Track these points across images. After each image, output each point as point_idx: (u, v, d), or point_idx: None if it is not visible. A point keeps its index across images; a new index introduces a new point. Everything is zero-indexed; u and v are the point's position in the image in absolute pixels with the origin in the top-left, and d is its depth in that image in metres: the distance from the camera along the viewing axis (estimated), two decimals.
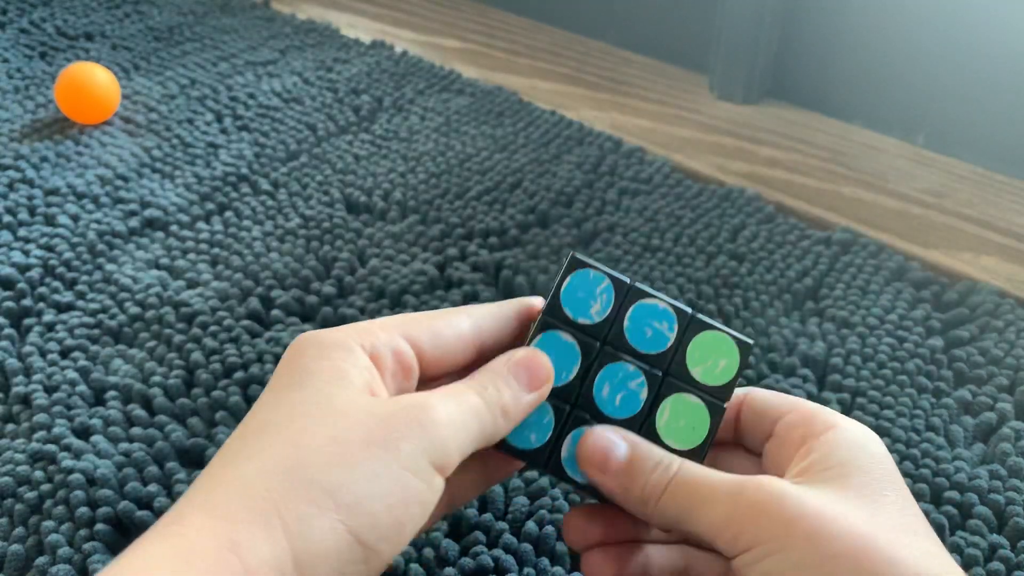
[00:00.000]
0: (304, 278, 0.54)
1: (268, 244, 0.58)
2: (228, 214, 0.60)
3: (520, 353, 0.28)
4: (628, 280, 0.29)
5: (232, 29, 0.88)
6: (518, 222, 0.59)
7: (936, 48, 0.67)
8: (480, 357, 0.29)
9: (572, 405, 0.29)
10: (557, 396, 0.29)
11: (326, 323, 0.51)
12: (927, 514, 0.39)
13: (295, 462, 0.22)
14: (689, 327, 0.29)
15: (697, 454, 0.28)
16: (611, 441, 0.28)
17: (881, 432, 0.44)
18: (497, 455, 0.29)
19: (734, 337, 0.29)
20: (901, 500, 0.26)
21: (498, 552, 0.37)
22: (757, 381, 0.47)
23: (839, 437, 0.27)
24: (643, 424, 0.29)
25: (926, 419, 0.45)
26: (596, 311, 0.29)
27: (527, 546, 0.38)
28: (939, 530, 0.39)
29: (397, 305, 0.52)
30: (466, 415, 0.25)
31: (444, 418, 0.24)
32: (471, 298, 0.53)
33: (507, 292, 0.54)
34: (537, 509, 0.40)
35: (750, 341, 0.29)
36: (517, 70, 0.83)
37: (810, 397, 0.46)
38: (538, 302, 0.30)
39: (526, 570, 0.37)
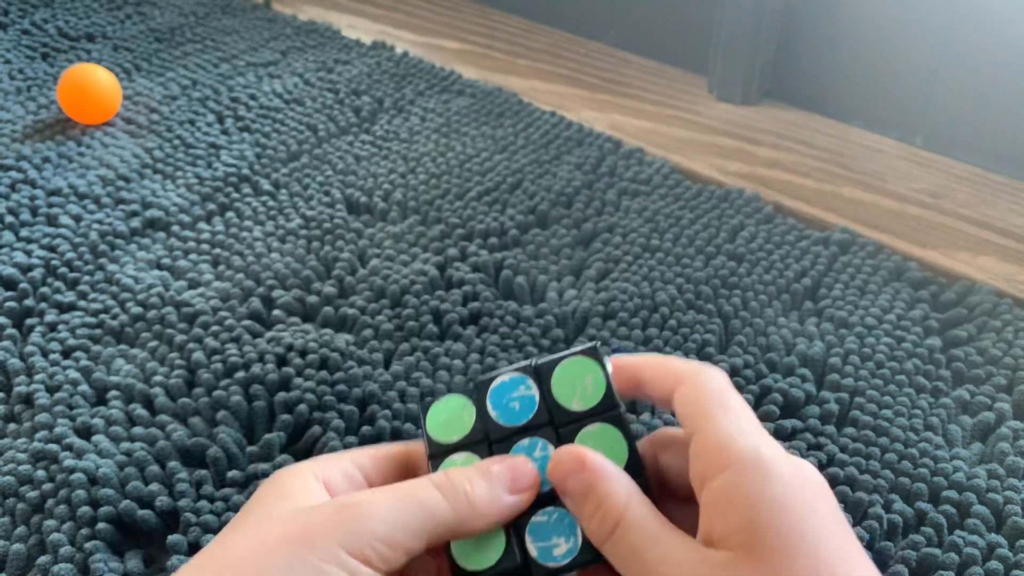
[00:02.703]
0: (305, 278, 0.54)
1: (269, 244, 0.58)
2: (229, 214, 0.61)
3: (498, 459, 0.27)
4: (470, 386, 0.29)
5: (233, 30, 0.88)
6: (518, 223, 0.59)
7: (934, 49, 0.68)
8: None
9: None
10: None
11: (327, 323, 0.51)
12: (925, 514, 0.40)
13: (221, 568, 0.23)
14: (540, 374, 0.29)
15: (635, 466, 0.27)
16: (584, 450, 0.27)
17: (879, 431, 0.44)
18: None
19: (579, 352, 0.29)
20: (814, 557, 0.23)
21: None
22: (756, 381, 0.47)
23: (734, 490, 0.24)
24: None
25: (924, 418, 0.45)
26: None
27: None
28: (937, 529, 0.39)
29: (398, 305, 0.52)
30: (409, 505, 0.25)
31: (374, 512, 0.24)
32: (471, 298, 0.53)
33: (507, 292, 0.54)
34: None
35: (594, 343, 0.29)
36: (517, 71, 0.83)
37: (808, 397, 0.46)
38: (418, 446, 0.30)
39: None
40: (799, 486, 0.24)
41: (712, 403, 0.26)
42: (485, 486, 0.26)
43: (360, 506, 0.24)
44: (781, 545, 0.23)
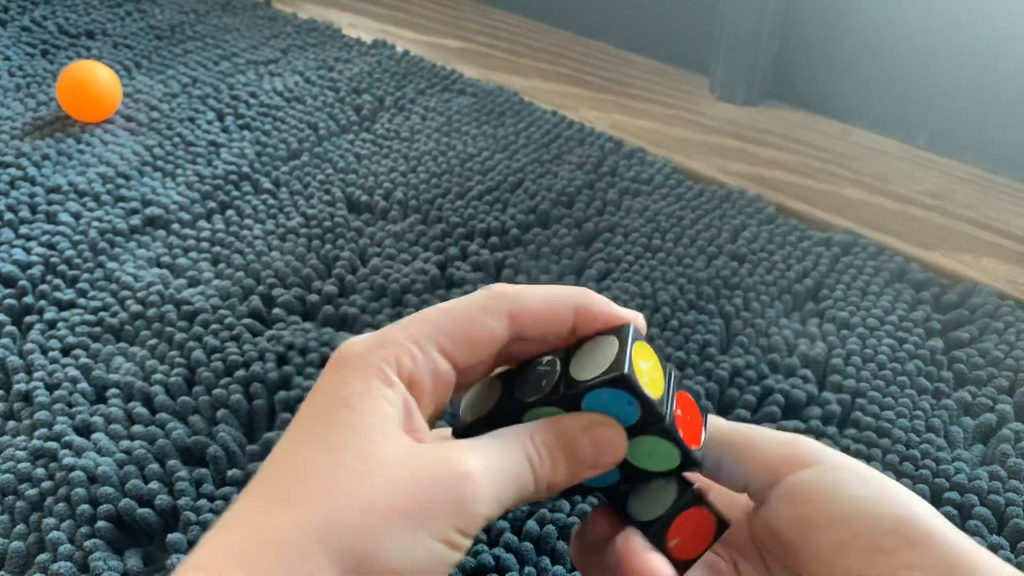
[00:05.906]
0: (305, 277, 0.54)
1: (269, 243, 0.58)
2: (229, 212, 0.60)
3: (602, 429, 0.26)
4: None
5: (234, 28, 0.88)
6: (519, 222, 0.59)
7: (937, 50, 0.68)
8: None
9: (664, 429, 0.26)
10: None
11: (327, 322, 0.51)
12: None
13: (330, 525, 0.22)
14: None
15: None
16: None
17: (881, 433, 0.44)
18: None
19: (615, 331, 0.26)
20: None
21: (499, 551, 0.37)
22: (758, 381, 0.47)
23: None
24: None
25: (926, 420, 0.45)
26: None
27: (528, 545, 0.38)
28: None
29: (398, 304, 0.52)
30: (509, 485, 0.25)
31: (484, 493, 0.24)
32: None
33: None
34: (538, 508, 0.40)
35: (627, 321, 0.26)
36: (518, 70, 0.83)
37: (810, 398, 0.46)
38: (597, 301, 0.27)
39: (527, 569, 0.37)
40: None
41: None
42: (565, 473, 0.26)
43: (475, 482, 0.24)
44: None
